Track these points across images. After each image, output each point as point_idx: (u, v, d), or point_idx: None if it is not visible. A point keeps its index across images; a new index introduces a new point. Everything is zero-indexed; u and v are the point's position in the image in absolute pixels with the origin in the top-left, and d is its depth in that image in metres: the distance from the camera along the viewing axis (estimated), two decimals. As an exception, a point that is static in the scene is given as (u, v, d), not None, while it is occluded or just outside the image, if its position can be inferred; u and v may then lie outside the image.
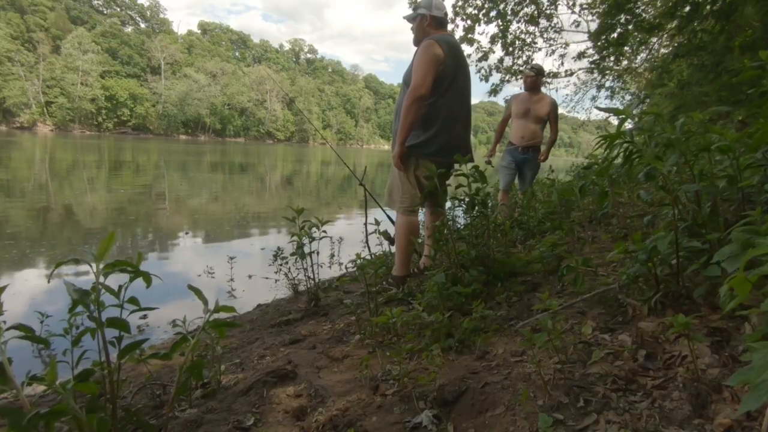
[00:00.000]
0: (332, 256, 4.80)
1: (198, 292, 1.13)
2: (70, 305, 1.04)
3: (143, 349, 1.18)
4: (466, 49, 8.64)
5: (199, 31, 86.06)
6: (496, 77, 9.47)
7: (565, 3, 8.72)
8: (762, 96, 1.57)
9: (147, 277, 1.08)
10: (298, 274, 3.01)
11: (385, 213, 3.08)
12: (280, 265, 3.08)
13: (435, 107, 2.48)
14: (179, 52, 69.97)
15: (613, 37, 7.55)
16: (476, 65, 9.15)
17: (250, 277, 4.08)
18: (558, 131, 4.48)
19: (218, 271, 4.14)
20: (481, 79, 9.47)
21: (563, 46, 9.92)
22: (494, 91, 9.52)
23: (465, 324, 1.71)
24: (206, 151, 30.51)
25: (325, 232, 2.66)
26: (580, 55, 9.46)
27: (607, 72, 9.55)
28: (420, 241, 2.68)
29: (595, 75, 9.72)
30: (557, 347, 1.32)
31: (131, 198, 8.85)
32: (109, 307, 1.05)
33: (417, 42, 2.59)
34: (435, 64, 2.40)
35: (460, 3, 8.24)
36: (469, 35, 8.50)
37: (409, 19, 2.67)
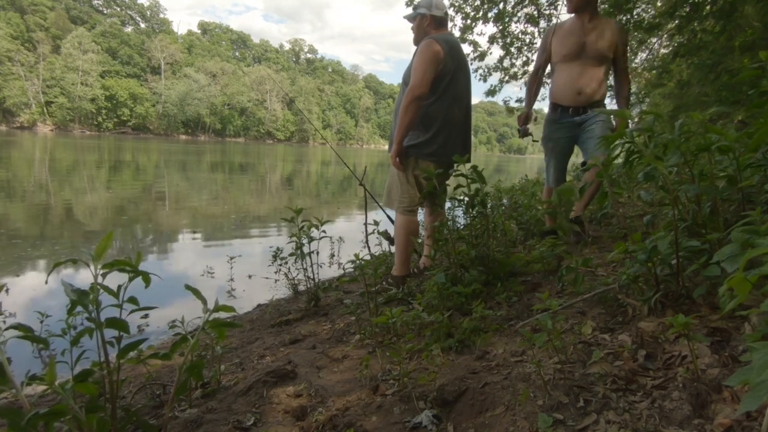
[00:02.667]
0: (332, 256, 4.80)
1: (196, 292, 1.13)
2: (68, 305, 1.03)
3: (141, 349, 1.18)
4: (464, 48, 8.62)
5: (199, 31, 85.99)
6: (494, 77, 9.45)
7: (565, 3, 8.71)
8: (762, 96, 1.57)
9: (146, 277, 1.08)
10: (297, 274, 3.01)
11: (385, 213, 3.08)
12: (280, 265, 3.08)
13: (434, 107, 2.48)
14: (179, 52, 69.93)
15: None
16: (474, 64, 9.13)
17: (250, 277, 4.08)
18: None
19: (218, 271, 4.14)
20: (479, 79, 9.44)
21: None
22: (492, 92, 9.49)
23: (465, 324, 1.71)
24: (206, 151, 30.50)
25: (324, 232, 2.66)
26: None
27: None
28: (420, 241, 2.67)
29: None
30: (557, 347, 1.32)
31: (131, 198, 8.85)
32: (109, 307, 1.05)
33: (417, 42, 2.58)
34: (434, 63, 2.39)
35: (458, 2, 8.22)
36: (467, 34, 8.48)
37: (409, 18, 2.66)
